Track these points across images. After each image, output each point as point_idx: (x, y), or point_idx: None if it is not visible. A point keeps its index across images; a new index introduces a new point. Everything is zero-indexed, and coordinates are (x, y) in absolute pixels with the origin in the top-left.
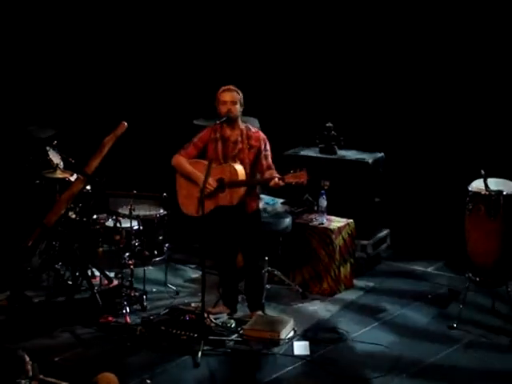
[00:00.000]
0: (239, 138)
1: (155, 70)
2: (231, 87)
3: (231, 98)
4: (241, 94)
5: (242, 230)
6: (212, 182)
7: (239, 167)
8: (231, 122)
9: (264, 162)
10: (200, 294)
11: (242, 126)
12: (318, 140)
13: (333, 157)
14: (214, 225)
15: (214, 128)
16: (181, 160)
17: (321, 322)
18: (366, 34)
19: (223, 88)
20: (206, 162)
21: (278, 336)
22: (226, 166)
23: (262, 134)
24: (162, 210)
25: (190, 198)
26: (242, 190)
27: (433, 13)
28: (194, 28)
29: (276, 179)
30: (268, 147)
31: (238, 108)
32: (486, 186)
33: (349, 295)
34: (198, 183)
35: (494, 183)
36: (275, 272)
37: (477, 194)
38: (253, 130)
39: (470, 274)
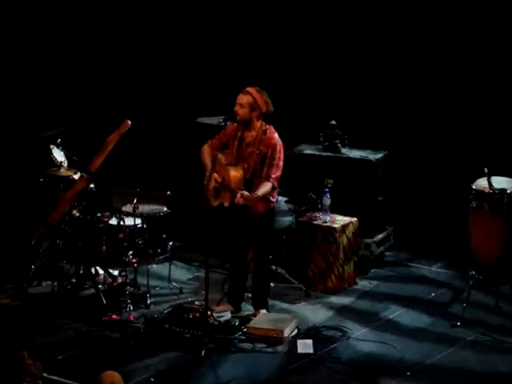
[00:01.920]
0: (252, 142)
1: (159, 69)
2: (247, 89)
3: (240, 100)
4: (257, 98)
5: (252, 229)
6: (216, 180)
7: (235, 174)
8: (242, 123)
9: (265, 169)
10: (204, 292)
11: (261, 129)
12: (322, 138)
13: (336, 155)
14: (223, 222)
15: (238, 126)
16: (205, 149)
17: (324, 320)
18: (369, 33)
19: (244, 89)
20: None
21: (282, 334)
22: (227, 168)
23: (274, 141)
24: (165, 208)
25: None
26: (231, 194)
27: (435, 12)
28: (197, 27)
29: (239, 195)
30: (277, 155)
31: (246, 111)
32: (490, 184)
33: (352, 293)
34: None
35: (498, 181)
36: (279, 270)
37: (480, 192)
38: (269, 135)
39: (474, 273)
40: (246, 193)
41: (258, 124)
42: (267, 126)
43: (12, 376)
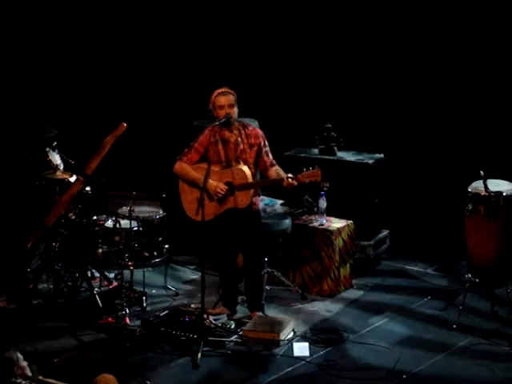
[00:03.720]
0: (239, 139)
1: (154, 71)
2: (225, 90)
3: (228, 101)
4: (235, 95)
5: (242, 230)
6: (222, 187)
7: (246, 169)
8: (230, 124)
9: (266, 159)
10: (199, 295)
11: (239, 125)
12: (318, 141)
13: (332, 158)
14: (216, 226)
15: (212, 131)
16: (184, 167)
17: (320, 323)
18: (365, 35)
19: (217, 92)
20: (206, 166)
21: (278, 337)
22: (234, 170)
23: (259, 131)
24: (161, 211)
25: (196, 204)
26: (251, 192)
27: (432, 13)
28: (192, 29)
29: (289, 179)
30: (267, 143)
31: (236, 110)
32: (486, 186)
33: (348, 296)
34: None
35: (494, 184)
36: (275, 273)
37: (476, 194)
38: (250, 127)
39: (470, 275)
40: (290, 174)
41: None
42: (240, 121)
43: (6, 378)
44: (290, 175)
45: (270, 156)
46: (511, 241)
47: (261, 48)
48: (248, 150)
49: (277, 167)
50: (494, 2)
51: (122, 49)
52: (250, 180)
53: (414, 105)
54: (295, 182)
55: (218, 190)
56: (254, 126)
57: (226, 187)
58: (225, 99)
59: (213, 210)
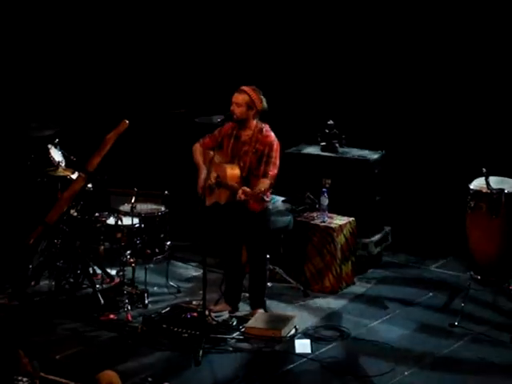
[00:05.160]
0: (248, 140)
1: (157, 68)
2: (242, 88)
3: (236, 99)
4: (253, 97)
5: (247, 228)
6: (212, 178)
7: (231, 171)
8: (238, 122)
9: (262, 168)
10: (201, 292)
11: (257, 127)
12: (320, 138)
13: (334, 155)
14: (218, 221)
15: (233, 124)
16: (196, 149)
17: (322, 319)
18: (367, 32)
19: (239, 88)
20: (212, 154)
21: (280, 334)
22: (226, 167)
23: (271, 139)
24: (163, 208)
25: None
26: (229, 192)
27: (433, 11)
28: (196, 27)
29: (240, 191)
30: (273, 154)
31: (243, 110)
32: (488, 184)
33: (350, 293)
34: (199, 174)
35: (496, 181)
36: (277, 270)
37: (478, 192)
38: (265, 133)
39: (472, 272)
40: (247, 189)
41: (254, 123)
42: (263, 125)
43: (8, 375)
44: (244, 188)
45: (269, 167)
46: None
47: (263, 45)
48: (251, 153)
49: (264, 180)
50: (494, 1)
51: (124, 46)
52: (229, 182)
53: (415, 102)
54: (243, 197)
55: (205, 181)
56: (270, 134)
57: (215, 180)
58: (235, 97)
59: (208, 198)
